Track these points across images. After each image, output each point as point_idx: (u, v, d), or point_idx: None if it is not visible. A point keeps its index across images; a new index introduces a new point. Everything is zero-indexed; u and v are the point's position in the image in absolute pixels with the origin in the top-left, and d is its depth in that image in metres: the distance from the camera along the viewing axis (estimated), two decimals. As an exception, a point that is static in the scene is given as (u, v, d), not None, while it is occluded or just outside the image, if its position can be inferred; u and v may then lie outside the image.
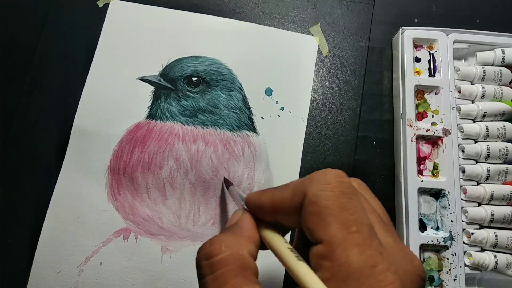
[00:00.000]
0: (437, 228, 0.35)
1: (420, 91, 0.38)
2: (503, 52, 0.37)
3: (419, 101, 0.38)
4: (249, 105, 0.38)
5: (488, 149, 0.35)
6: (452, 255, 0.34)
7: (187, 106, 0.37)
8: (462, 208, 0.35)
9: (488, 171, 0.35)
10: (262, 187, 0.36)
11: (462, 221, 0.35)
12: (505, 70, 0.37)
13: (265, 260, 0.22)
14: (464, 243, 0.34)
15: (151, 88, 0.38)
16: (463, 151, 0.36)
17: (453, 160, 0.36)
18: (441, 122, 0.37)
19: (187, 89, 0.38)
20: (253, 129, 0.38)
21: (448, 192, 0.35)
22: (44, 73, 0.39)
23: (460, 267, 0.33)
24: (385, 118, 0.39)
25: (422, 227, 0.35)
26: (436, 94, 0.38)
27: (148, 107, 0.38)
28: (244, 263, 0.18)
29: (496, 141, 0.36)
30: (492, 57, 0.38)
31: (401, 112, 0.37)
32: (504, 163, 0.36)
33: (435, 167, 0.37)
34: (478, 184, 0.36)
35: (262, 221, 0.21)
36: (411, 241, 0.34)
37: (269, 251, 0.20)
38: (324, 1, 0.41)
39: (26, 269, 0.34)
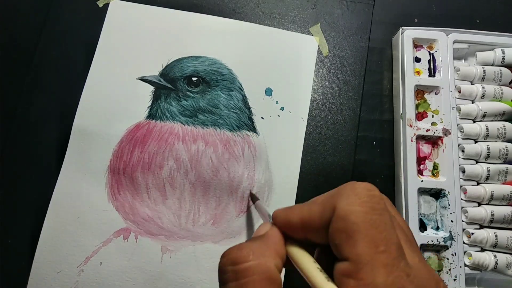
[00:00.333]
0: (437, 228, 0.35)
1: (420, 91, 0.38)
2: (503, 52, 0.37)
3: (419, 101, 0.38)
4: (249, 105, 0.38)
5: (488, 149, 0.35)
6: (452, 255, 0.34)
7: (187, 106, 0.37)
8: (462, 208, 0.35)
9: (488, 171, 0.35)
10: (262, 187, 0.36)
11: (462, 221, 0.35)
12: (505, 70, 0.37)
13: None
14: (464, 243, 0.34)
15: (151, 88, 0.38)
16: (463, 151, 0.36)
17: (453, 160, 0.36)
18: (441, 122, 0.37)
19: (187, 89, 0.38)
20: (253, 129, 0.38)
21: (448, 192, 0.35)
22: (44, 73, 0.39)
23: (460, 267, 0.33)
24: (385, 118, 0.39)
25: (422, 227, 0.35)
26: (436, 94, 0.38)
27: (148, 107, 0.38)
28: (271, 275, 0.17)
29: (496, 141, 0.36)
30: (492, 57, 0.38)
31: (401, 112, 0.37)
32: (504, 163, 0.36)
33: (435, 167, 0.37)
34: (478, 184, 0.36)
35: (288, 238, 0.20)
36: (411, 241, 0.34)
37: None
38: (324, 1, 0.41)
39: (26, 269, 0.34)
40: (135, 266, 0.34)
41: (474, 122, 0.37)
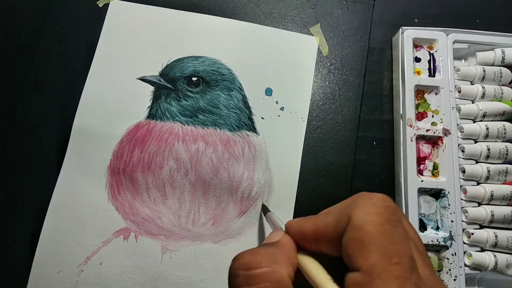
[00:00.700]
0: (437, 228, 0.35)
1: (420, 91, 0.38)
2: (503, 52, 0.37)
3: (419, 101, 0.38)
4: (249, 105, 0.38)
5: (488, 149, 0.35)
6: (452, 255, 0.34)
7: (187, 106, 0.37)
8: (462, 208, 0.35)
9: (488, 171, 0.35)
10: (262, 187, 0.36)
11: (462, 221, 0.35)
12: (505, 70, 0.37)
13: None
14: (464, 243, 0.34)
15: (151, 88, 0.38)
16: (463, 151, 0.36)
17: (453, 160, 0.36)
18: (441, 122, 0.37)
19: (187, 89, 0.38)
20: (253, 129, 0.38)
21: (448, 192, 0.35)
22: (44, 73, 0.39)
23: (460, 267, 0.33)
24: (385, 118, 0.39)
25: (422, 227, 0.35)
26: (436, 94, 0.38)
27: (148, 107, 0.38)
28: (283, 284, 0.17)
29: (496, 141, 0.36)
30: (492, 57, 0.38)
31: (401, 112, 0.37)
32: (504, 163, 0.36)
33: (435, 167, 0.37)
34: (478, 184, 0.36)
35: (300, 248, 0.19)
36: (411, 241, 0.34)
37: None
38: (324, 1, 0.41)
39: (26, 269, 0.34)
40: (135, 266, 0.34)
41: (474, 122, 0.37)
